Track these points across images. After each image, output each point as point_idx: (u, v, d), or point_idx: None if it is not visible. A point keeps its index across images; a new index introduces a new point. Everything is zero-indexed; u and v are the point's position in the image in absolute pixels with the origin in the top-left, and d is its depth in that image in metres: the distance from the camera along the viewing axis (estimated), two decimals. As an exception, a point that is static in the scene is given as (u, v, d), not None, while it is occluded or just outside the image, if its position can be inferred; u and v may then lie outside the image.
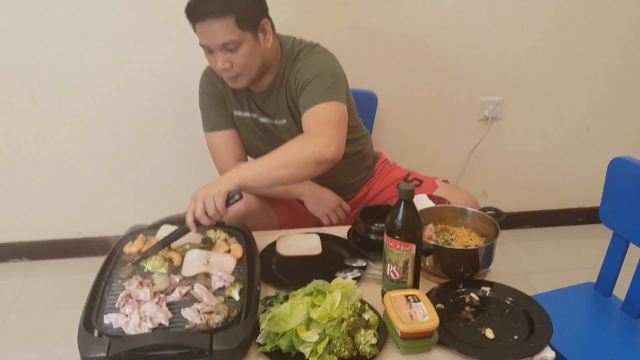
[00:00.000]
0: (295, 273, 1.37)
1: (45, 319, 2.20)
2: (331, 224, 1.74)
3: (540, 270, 2.42)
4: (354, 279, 1.30)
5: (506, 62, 2.41)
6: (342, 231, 1.55)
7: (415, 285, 1.21)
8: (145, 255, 1.32)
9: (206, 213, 1.30)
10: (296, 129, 1.63)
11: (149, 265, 1.29)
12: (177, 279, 1.26)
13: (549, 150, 2.61)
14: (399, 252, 1.16)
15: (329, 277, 1.29)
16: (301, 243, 1.48)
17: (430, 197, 1.58)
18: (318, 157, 1.37)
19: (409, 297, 1.14)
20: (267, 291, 1.30)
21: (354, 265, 1.38)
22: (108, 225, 2.31)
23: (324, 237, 1.50)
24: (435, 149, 2.53)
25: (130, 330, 1.09)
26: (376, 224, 1.50)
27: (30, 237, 2.56)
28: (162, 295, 1.19)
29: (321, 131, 1.41)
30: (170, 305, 1.17)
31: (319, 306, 1.13)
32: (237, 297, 1.19)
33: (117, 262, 1.32)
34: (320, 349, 1.06)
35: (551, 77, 2.46)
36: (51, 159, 2.39)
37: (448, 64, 2.38)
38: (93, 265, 1.31)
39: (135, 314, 1.11)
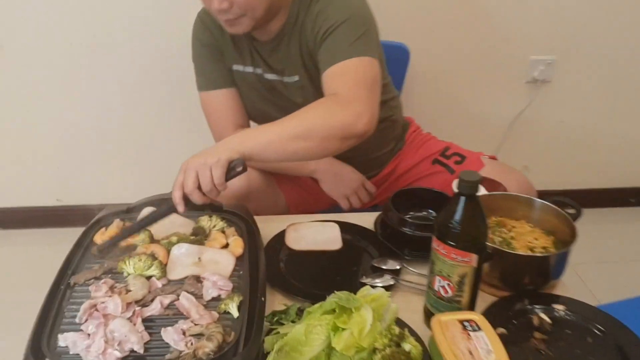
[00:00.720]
0: (310, 275, 1.16)
1: (18, 296, 1.94)
2: (351, 209, 1.50)
3: (590, 260, 2.18)
4: (385, 288, 1.05)
5: (562, 14, 2.15)
6: (367, 220, 1.31)
7: (472, 305, 0.96)
8: (111, 243, 1.08)
9: (199, 188, 1.04)
10: (311, 88, 1.37)
11: (129, 266, 1.03)
12: (158, 283, 1.01)
13: (605, 120, 2.39)
14: (455, 263, 0.91)
15: (353, 282, 1.12)
16: (316, 234, 1.26)
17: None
18: (346, 130, 1.11)
19: (466, 324, 0.90)
20: (274, 300, 1.07)
21: (384, 267, 1.15)
22: (91, 192, 2.38)
23: (344, 227, 1.28)
24: (473, 115, 2.32)
25: (92, 358, 0.85)
26: (411, 213, 1.28)
27: (3, 204, 2.42)
28: (137, 308, 0.94)
29: (352, 96, 1.15)
30: (147, 322, 0.93)
31: (343, 330, 0.90)
32: (235, 312, 0.94)
33: (84, 258, 1.08)
34: (346, 394, 0.83)
35: (614, 33, 2.21)
36: (25, 117, 2.22)
37: (493, 15, 2.14)
38: (74, 236, 1.13)
39: (100, 336, 0.87)
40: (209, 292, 0.99)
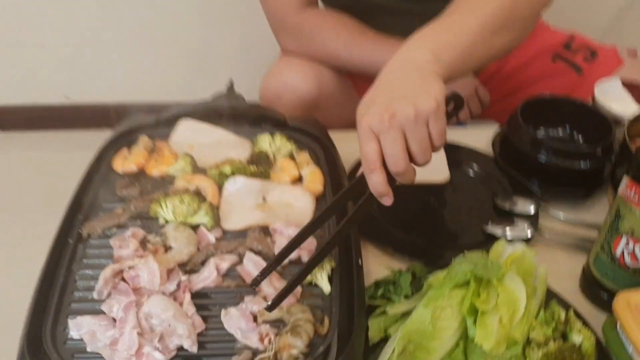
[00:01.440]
0: (412, 220, 0.88)
1: (20, 210, 1.83)
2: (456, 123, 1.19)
3: None
4: (525, 242, 0.78)
5: None
6: (480, 138, 1.02)
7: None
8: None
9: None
10: None
11: (167, 210, 0.75)
12: (210, 236, 0.74)
13: None
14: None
15: (473, 232, 0.86)
16: (413, 160, 0.97)
17: (625, 84, 1.06)
18: (542, 3, 0.85)
19: (669, 309, 0.64)
20: (368, 258, 0.80)
21: (510, 210, 0.88)
22: (106, 87, 2.14)
23: (449, 150, 0.98)
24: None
25: (121, 362, 0.60)
26: (542, 128, 1.01)
27: (1, 101, 2.23)
28: (183, 277, 0.68)
29: None
30: (198, 298, 0.67)
31: (484, 314, 0.65)
32: (326, 287, 0.68)
33: (101, 194, 0.80)
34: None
35: None
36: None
37: None
38: (85, 141, 0.96)
39: (132, 325, 0.61)
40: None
